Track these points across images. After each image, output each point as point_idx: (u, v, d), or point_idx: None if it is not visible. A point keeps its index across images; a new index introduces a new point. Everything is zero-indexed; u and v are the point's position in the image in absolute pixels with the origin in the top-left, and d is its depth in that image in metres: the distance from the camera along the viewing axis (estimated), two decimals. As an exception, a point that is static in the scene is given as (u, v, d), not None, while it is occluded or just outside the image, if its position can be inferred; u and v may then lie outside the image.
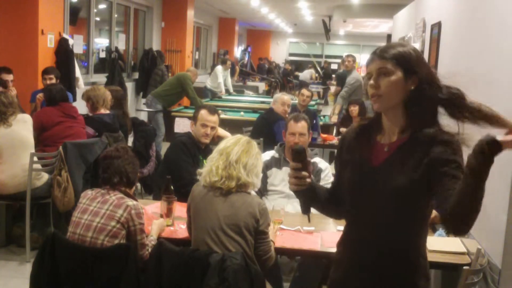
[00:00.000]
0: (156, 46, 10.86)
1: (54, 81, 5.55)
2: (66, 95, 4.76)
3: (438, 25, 4.07)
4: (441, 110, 1.74)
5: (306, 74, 19.02)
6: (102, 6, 9.03)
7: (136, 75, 10.14)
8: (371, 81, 1.71)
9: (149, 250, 2.60)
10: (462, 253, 2.73)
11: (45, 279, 2.53)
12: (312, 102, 9.37)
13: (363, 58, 16.05)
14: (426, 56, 4.57)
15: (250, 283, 2.34)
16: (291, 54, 24.43)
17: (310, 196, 1.88)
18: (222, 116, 6.48)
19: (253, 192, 2.74)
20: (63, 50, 6.55)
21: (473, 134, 1.68)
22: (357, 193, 1.80)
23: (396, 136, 1.75)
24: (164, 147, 6.32)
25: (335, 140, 6.14)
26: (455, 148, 1.67)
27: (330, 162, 5.32)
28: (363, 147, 1.81)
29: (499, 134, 1.52)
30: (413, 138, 1.71)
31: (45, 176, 4.17)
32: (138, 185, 5.54)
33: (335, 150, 5.65)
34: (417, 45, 4.98)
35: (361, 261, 1.78)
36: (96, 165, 4.17)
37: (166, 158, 3.76)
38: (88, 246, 2.53)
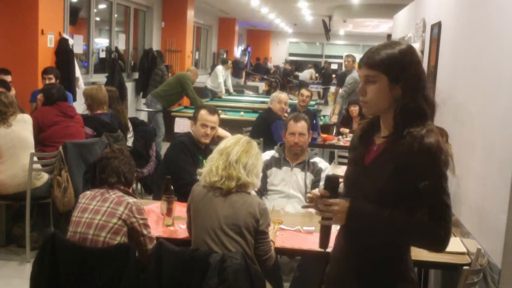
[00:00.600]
0: (156, 46, 10.85)
1: (53, 81, 5.55)
2: (64, 95, 4.75)
3: (438, 25, 4.07)
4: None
5: (306, 74, 19.03)
6: (102, 6, 9.03)
7: (136, 75, 10.14)
8: (359, 87, 1.79)
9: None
10: (462, 253, 2.73)
11: (45, 279, 2.53)
12: (312, 102, 9.37)
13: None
14: (426, 56, 4.57)
15: (250, 283, 2.34)
16: (291, 54, 24.42)
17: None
18: (222, 116, 6.48)
19: (253, 192, 2.74)
20: (63, 50, 6.55)
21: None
22: (350, 189, 1.86)
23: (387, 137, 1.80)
24: (164, 147, 6.32)
25: (335, 140, 6.15)
26: (433, 157, 1.67)
27: (330, 162, 5.32)
28: (362, 146, 1.86)
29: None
30: (396, 140, 1.74)
31: (45, 176, 4.17)
32: (138, 185, 5.55)
33: (335, 150, 5.68)
34: (417, 45, 4.98)
35: (344, 255, 1.86)
36: (96, 165, 4.17)
37: (166, 158, 3.76)
38: (88, 246, 2.54)
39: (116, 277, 2.46)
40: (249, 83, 16.70)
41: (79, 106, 5.35)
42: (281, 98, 5.96)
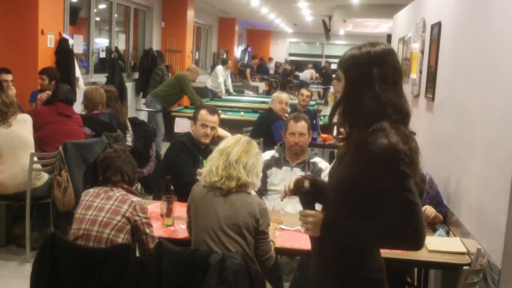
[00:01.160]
0: (156, 46, 10.85)
1: (46, 81, 5.58)
2: (68, 99, 4.72)
3: (438, 25, 4.07)
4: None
5: (306, 74, 19.00)
6: (102, 6, 9.03)
7: (136, 75, 10.14)
8: None
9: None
10: (462, 253, 2.73)
11: (45, 279, 2.53)
12: (312, 102, 9.37)
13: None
14: (426, 56, 4.57)
15: (250, 283, 2.34)
16: (291, 54, 24.41)
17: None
18: (222, 116, 6.48)
19: (253, 192, 2.74)
20: (63, 50, 6.55)
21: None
22: (329, 183, 1.95)
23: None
24: (164, 147, 6.32)
25: (335, 140, 6.13)
26: (383, 160, 1.67)
27: (330, 162, 5.32)
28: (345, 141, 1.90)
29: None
30: (351, 140, 1.79)
31: (45, 176, 4.17)
32: (138, 185, 5.55)
33: (335, 150, 5.68)
34: (417, 45, 4.98)
35: (313, 252, 1.95)
36: (96, 165, 4.17)
37: (166, 158, 3.76)
38: (89, 246, 2.54)
39: (116, 277, 2.47)
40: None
41: (79, 106, 5.35)
42: (281, 99, 5.97)
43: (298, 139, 3.68)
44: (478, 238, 2.67)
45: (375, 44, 1.82)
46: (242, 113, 8.09)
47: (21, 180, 3.99)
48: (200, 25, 15.19)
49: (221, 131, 3.79)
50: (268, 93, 15.44)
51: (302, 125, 3.70)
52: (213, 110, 3.74)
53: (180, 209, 3.03)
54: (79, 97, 5.64)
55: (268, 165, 3.67)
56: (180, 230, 2.91)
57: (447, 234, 3.05)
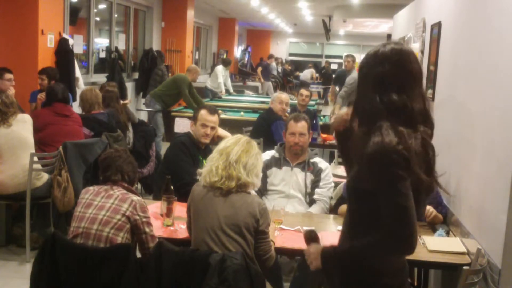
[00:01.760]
0: (156, 46, 10.85)
1: (46, 81, 5.60)
2: (66, 97, 4.74)
3: (438, 25, 4.06)
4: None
5: (306, 74, 18.99)
6: (102, 6, 9.03)
7: (136, 75, 10.14)
8: None
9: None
10: (462, 253, 2.73)
11: (45, 279, 2.53)
12: (312, 102, 9.37)
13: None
14: (426, 56, 4.57)
15: (250, 283, 2.34)
16: (291, 54, 24.41)
17: None
18: (222, 116, 6.48)
19: (253, 192, 2.74)
20: (63, 50, 6.55)
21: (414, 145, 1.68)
22: None
23: None
24: (164, 147, 6.32)
25: (335, 140, 6.12)
26: (374, 160, 1.66)
27: (330, 162, 5.32)
28: None
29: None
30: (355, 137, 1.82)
31: (45, 176, 4.17)
32: (138, 185, 5.55)
33: (335, 150, 5.67)
34: (417, 45, 4.98)
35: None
36: (96, 165, 4.17)
37: (166, 158, 3.76)
38: (89, 246, 2.54)
39: (116, 277, 2.47)
40: (249, 83, 16.69)
41: (78, 106, 5.36)
42: (282, 99, 5.96)
43: (298, 139, 3.68)
44: (478, 238, 2.67)
45: (387, 44, 1.80)
46: (242, 113, 8.09)
47: (21, 180, 3.99)
48: (200, 25, 15.19)
49: (221, 131, 3.79)
50: (267, 93, 15.44)
51: (302, 125, 3.70)
52: (213, 110, 3.74)
53: (180, 209, 3.03)
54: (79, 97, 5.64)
55: (268, 165, 3.67)
56: (180, 230, 2.91)
57: (447, 234, 3.05)
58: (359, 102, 1.79)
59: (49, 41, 6.41)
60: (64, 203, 4.03)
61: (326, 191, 3.63)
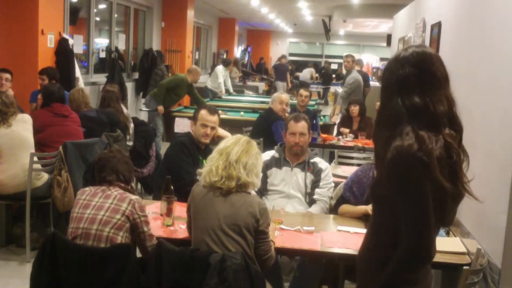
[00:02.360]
0: (156, 46, 10.85)
1: (46, 81, 5.60)
2: (63, 96, 4.73)
3: (438, 25, 4.07)
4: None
5: (306, 74, 18.96)
6: (102, 6, 9.03)
7: (136, 75, 10.14)
8: None
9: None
10: (462, 253, 2.73)
11: (45, 279, 2.53)
12: (312, 102, 9.37)
13: (363, 58, 16.03)
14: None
15: (250, 283, 2.34)
16: (291, 54, 24.40)
17: None
18: (222, 116, 6.48)
19: (253, 192, 2.74)
20: (63, 50, 6.55)
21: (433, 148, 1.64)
22: None
23: None
24: (164, 147, 6.32)
25: (335, 140, 6.14)
26: (388, 172, 1.67)
27: (330, 162, 5.32)
28: None
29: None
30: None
31: (45, 176, 4.17)
32: (138, 185, 5.55)
33: (335, 150, 5.68)
34: (417, 45, 4.99)
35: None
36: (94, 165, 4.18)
37: (166, 158, 3.76)
38: (89, 246, 2.54)
39: (116, 277, 2.47)
40: (249, 83, 16.69)
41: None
42: (282, 99, 5.96)
43: (299, 139, 3.67)
44: (478, 238, 2.67)
45: (408, 47, 1.80)
46: (242, 113, 8.09)
47: (21, 180, 3.99)
48: (200, 25, 15.19)
49: (221, 131, 3.79)
50: (268, 93, 15.44)
51: (302, 125, 3.70)
52: (213, 110, 3.75)
53: (180, 209, 3.03)
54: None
55: (268, 165, 3.67)
56: (180, 230, 2.91)
57: (447, 234, 3.05)
58: (383, 108, 1.78)
59: (49, 41, 6.41)
60: (64, 203, 4.03)
61: (326, 191, 3.63)
